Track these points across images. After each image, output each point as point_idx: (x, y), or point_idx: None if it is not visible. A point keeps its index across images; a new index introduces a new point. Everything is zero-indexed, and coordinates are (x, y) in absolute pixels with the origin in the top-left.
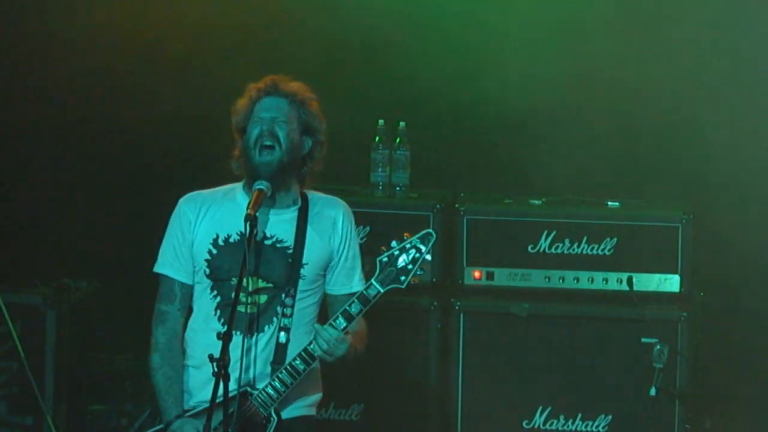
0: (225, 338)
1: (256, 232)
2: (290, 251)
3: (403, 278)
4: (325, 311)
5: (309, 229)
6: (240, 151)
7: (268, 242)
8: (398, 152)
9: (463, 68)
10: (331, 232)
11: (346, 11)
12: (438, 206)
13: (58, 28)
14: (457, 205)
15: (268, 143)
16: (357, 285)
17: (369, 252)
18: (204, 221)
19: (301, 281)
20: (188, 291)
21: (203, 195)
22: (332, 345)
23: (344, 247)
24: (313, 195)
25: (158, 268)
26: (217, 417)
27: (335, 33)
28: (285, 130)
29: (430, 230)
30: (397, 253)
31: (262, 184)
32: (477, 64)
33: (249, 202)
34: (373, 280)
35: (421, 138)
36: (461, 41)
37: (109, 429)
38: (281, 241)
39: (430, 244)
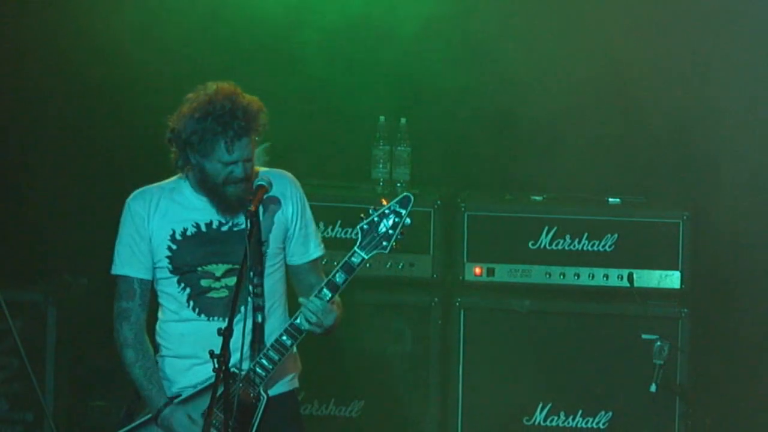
0: (226, 334)
1: (211, 222)
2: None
3: (385, 243)
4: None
5: (261, 207)
6: (192, 168)
7: (224, 228)
8: (399, 148)
9: (465, 65)
10: (282, 204)
11: (347, 7)
12: (439, 202)
13: (58, 34)
14: (458, 201)
15: (238, 182)
16: (314, 251)
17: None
18: (156, 216)
19: (264, 258)
20: (147, 286)
21: (150, 190)
22: (320, 316)
23: (297, 216)
24: (258, 172)
25: (116, 270)
26: (206, 400)
27: (336, 29)
28: (250, 165)
29: (408, 194)
30: (376, 219)
31: (263, 181)
32: (478, 61)
33: (252, 198)
34: (356, 248)
35: (421, 134)
36: (463, 38)
37: (110, 425)
38: (238, 225)
39: (409, 207)
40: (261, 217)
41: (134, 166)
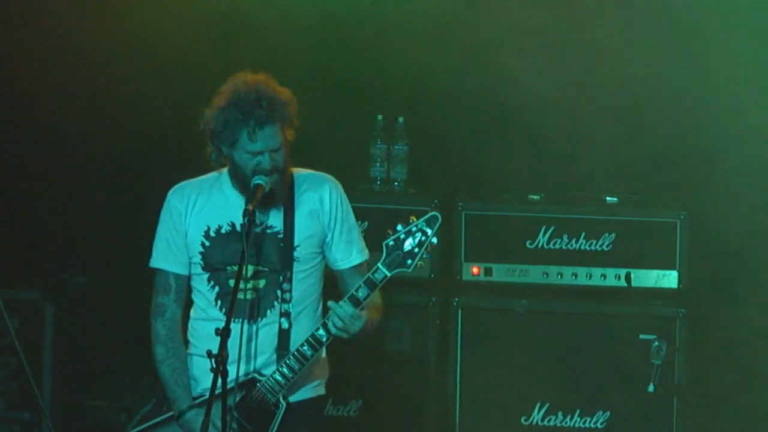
0: (223, 334)
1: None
2: (281, 236)
3: (409, 261)
4: (336, 288)
5: (296, 211)
6: (226, 160)
7: (257, 230)
8: (396, 147)
9: (463, 64)
10: (319, 210)
11: (346, 5)
12: (436, 201)
13: (57, 33)
14: (455, 201)
15: (268, 174)
16: (357, 257)
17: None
18: (194, 212)
19: (295, 263)
20: (183, 281)
21: (190, 185)
22: (348, 322)
23: (335, 223)
24: (299, 174)
25: (153, 263)
26: (227, 403)
27: (334, 28)
28: (282, 157)
29: (436, 213)
30: (403, 236)
31: (261, 179)
32: (476, 60)
33: (248, 197)
34: (379, 264)
35: (419, 133)
36: (461, 37)
37: (108, 424)
38: (271, 227)
39: (436, 227)
40: (294, 220)
41: (133, 166)
